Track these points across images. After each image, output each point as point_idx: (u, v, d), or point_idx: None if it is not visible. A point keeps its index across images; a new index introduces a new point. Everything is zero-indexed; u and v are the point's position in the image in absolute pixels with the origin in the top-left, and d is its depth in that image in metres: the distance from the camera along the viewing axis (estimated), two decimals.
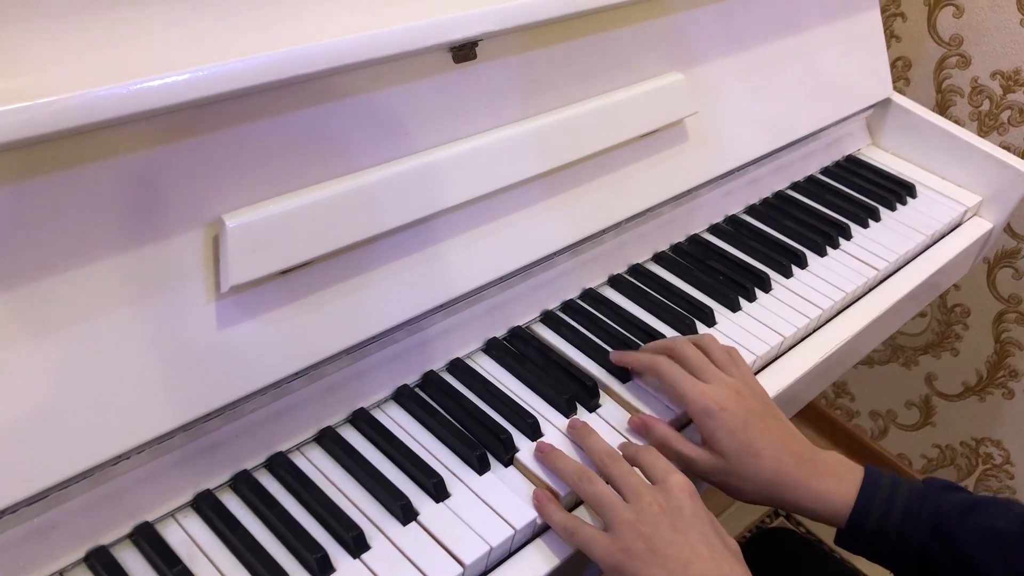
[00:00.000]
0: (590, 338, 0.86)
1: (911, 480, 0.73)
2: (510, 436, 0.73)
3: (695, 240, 1.03)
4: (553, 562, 0.67)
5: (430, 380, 0.79)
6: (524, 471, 0.72)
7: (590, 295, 0.91)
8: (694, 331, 0.88)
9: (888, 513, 0.71)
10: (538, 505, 0.69)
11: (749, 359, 0.86)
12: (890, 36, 1.51)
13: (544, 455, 0.72)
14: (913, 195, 1.19)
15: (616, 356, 0.82)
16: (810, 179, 1.19)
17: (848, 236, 1.08)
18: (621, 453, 0.71)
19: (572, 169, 0.85)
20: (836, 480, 0.73)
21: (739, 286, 0.95)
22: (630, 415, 0.78)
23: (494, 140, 0.77)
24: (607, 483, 0.69)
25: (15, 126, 0.50)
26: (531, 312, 0.87)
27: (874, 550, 0.73)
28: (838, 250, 1.06)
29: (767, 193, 1.13)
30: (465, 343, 0.82)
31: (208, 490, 0.66)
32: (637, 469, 0.70)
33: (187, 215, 0.61)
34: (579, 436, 0.74)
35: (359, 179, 0.69)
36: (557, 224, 0.84)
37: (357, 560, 0.64)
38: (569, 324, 0.87)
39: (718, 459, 0.73)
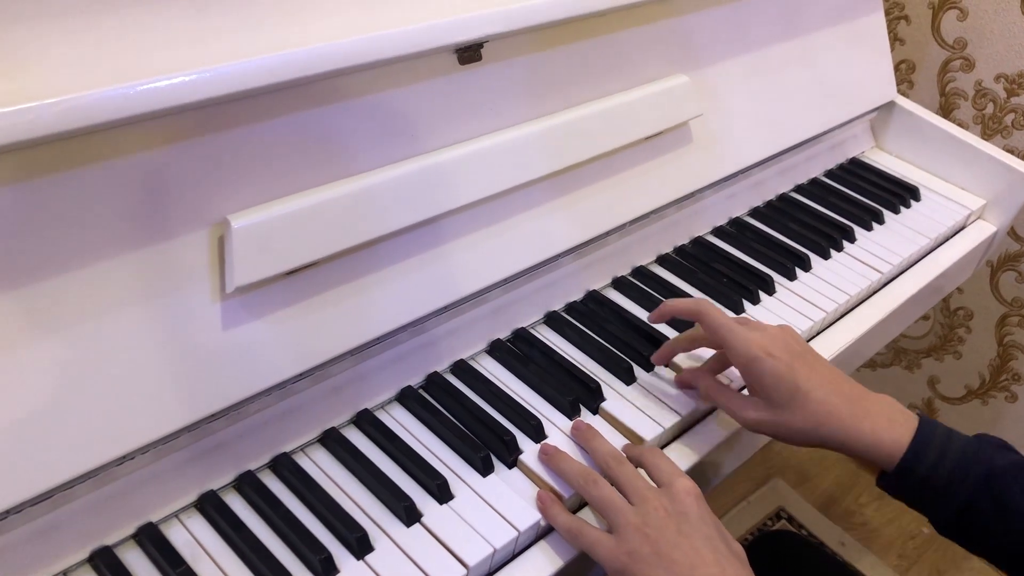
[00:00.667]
0: (594, 339, 0.86)
1: (965, 437, 0.73)
2: (514, 438, 0.73)
3: (699, 242, 1.03)
4: (557, 564, 0.67)
5: (434, 381, 0.79)
6: (528, 473, 0.72)
7: (594, 297, 0.91)
8: None
9: (940, 462, 0.70)
10: (542, 507, 0.69)
11: None
12: (894, 39, 1.51)
13: (548, 457, 0.72)
14: (917, 198, 1.19)
15: (655, 315, 0.82)
16: (814, 181, 1.19)
17: (852, 239, 1.08)
18: (625, 455, 0.71)
19: (577, 171, 0.85)
20: (888, 422, 0.72)
21: (742, 288, 0.95)
22: (640, 410, 0.78)
23: (499, 142, 0.77)
24: (612, 485, 0.69)
25: (21, 127, 0.50)
26: (535, 314, 0.87)
27: (918, 496, 0.73)
28: (842, 253, 1.06)
29: (771, 195, 1.13)
30: (469, 344, 0.82)
31: (212, 491, 0.67)
32: (642, 471, 0.70)
33: (192, 216, 0.61)
34: (583, 438, 0.74)
35: (364, 180, 0.69)
36: (561, 226, 0.84)
37: (361, 561, 0.64)
38: (573, 325, 0.87)
39: (766, 407, 0.73)
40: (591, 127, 0.84)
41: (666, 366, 0.84)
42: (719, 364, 0.81)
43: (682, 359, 0.85)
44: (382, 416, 0.75)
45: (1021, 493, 0.69)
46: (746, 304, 0.94)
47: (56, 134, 0.51)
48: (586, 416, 0.78)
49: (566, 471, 0.70)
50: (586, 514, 0.70)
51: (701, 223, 1.04)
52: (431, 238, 0.75)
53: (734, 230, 1.06)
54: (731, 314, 0.91)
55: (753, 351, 0.72)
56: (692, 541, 0.63)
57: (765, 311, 0.94)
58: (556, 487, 0.71)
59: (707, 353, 0.84)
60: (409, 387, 0.77)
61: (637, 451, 0.72)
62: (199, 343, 0.62)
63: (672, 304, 0.80)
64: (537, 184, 0.82)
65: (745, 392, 0.77)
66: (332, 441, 0.72)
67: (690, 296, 0.93)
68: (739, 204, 1.09)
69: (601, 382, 0.81)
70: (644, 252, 0.98)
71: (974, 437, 0.73)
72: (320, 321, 0.68)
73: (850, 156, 1.26)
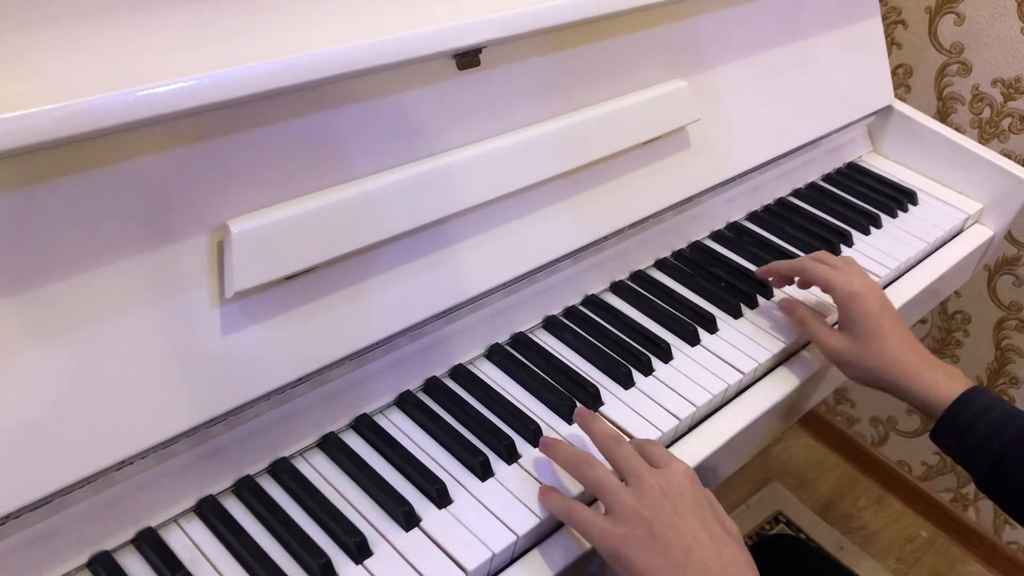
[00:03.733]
0: (593, 344, 0.86)
1: (1016, 408, 0.80)
2: (512, 442, 0.74)
3: (697, 246, 1.03)
4: (556, 568, 0.67)
5: (433, 386, 0.79)
6: (527, 478, 0.72)
7: (592, 301, 0.92)
8: (696, 338, 0.89)
9: (983, 414, 0.78)
10: (540, 496, 0.69)
11: (750, 366, 0.86)
12: (891, 43, 1.51)
13: (547, 447, 0.72)
14: (914, 202, 1.19)
15: (761, 271, 0.96)
16: (812, 186, 1.19)
17: (850, 243, 1.09)
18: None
19: (575, 176, 0.85)
20: (946, 376, 0.82)
21: (741, 292, 0.95)
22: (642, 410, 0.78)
23: (498, 147, 0.77)
24: (609, 470, 0.68)
25: (20, 132, 0.50)
26: (534, 318, 0.88)
27: (960, 445, 0.80)
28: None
29: (769, 200, 1.14)
30: (468, 349, 0.82)
31: (211, 495, 0.67)
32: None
33: (192, 221, 0.61)
34: (584, 422, 0.73)
35: (362, 185, 0.69)
36: (560, 230, 0.85)
37: (360, 566, 0.64)
38: (571, 330, 0.87)
39: (847, 338, 0.85)
40: (589, 132, 0.84)
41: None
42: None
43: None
44: (381, 421, 0.75)
45: None
46: (744, 308, 0.94)
47: (56, 140, 0.51)
48: None
49: (562, 457, 0.70)
50: None
51: (699, 227, 1.05)
52: (429, 243, 0.75)
53: (732, 235, 1.07)
54: (707, 335, 0.92)
55: (855, 288, 0.85)
56: (688, 522, 0.62)
57: (764, 315, 0.94)
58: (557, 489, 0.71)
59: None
60: (408, 392, 0.78)
61: (636, 441, 0.72)
62: (198, 348, 0.62)
63: (774, 267, 0.94)
64: (536, 188, 0.82)
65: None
66: (331, 446, 0.72)
67: (684, 296, 0.93)
68: (737, 208, 1.09)
69: (599, 386, 0.81)
70: (643, 256, 0.98)
71: None
72: (319, 326, 0.68)
73: (848, 160, 1.26)
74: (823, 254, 0.92)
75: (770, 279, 0.96)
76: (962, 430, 0.79)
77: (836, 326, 0.89)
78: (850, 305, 0.85)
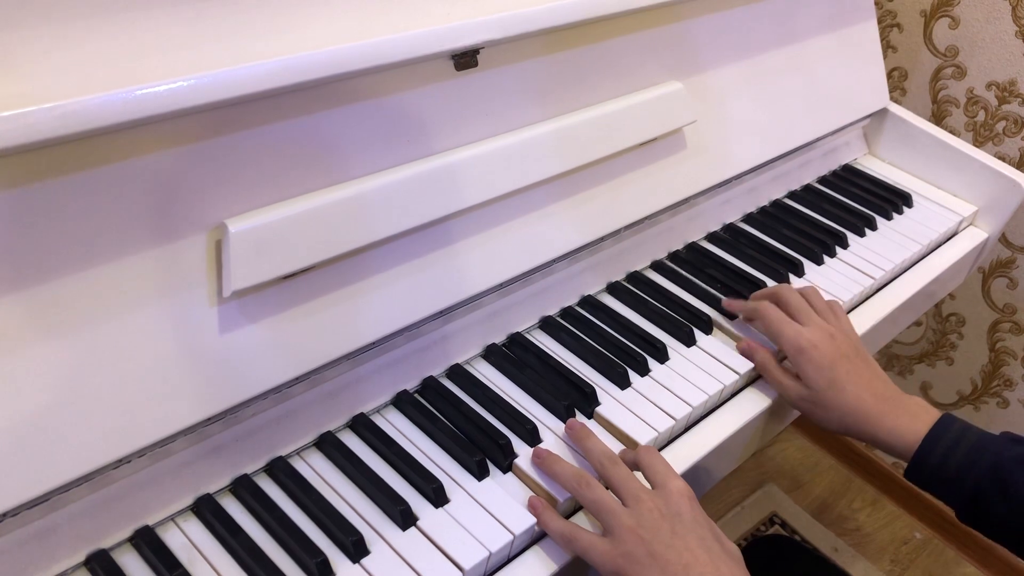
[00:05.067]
0: (589, 344, 0.86)
1: (984, 432, 0.79)
2: (509, 442, 0.74)
3: (693, 248, 1.03)
4: (552, 568, 0.68)
5: (430, 386, 0.79)
6: (523, 477, 0.73)
7: (589, 302, 0.92)
8: (692, 339, 0.89)
9: (951, 452, 0.77)
10: (535, 512, 0.69)
11: (746, 367, 0.86)
12: (886, 46, 1.52)
13: (541, 460, 0.72)
14: (909, 205, 1.20)
15: (727, 303, 0.93)
16: (807, 188, 1.19)
17: (845, 245, 1.09)
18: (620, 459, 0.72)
19: (572, 177, 0.86)
20: (910, 418, 0.80)
21: (736, 294, 0.96)
22: (635, 414, 0.78)
23: (496, 147, 0.77)
24: (606, 487, 0.69)
25: (18, 131, 0.50)
26: (530, 318, 0.88)
27: (935, 485, 0.79)
28: (835, 259, 1.06)
29: (764, 202, 1.14)
30: (464, 349, 0.82)
31: (208, 494, 0.67)
32: (637, 474, 0.70)
33: (190, 220, 0.61)
34: (577, 438, 0.74)
35: (360, 185, 0.69)
36: (556, 231, 0.85)
37: (357, 565, 0.64)
38: (568, 330, 0.87)
39: (806, 390, 0.82)
40: (586, 133, 0.84)
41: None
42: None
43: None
44: (378, 420, 0.75)
45: (1022, 482, 0.74)
46: None
47: (53, 139, 0.51)
48: (581, 420, 0.78)
49: (560, 473, 0.71)
50: (580, 519, 0.71)
51: (695, 229, 1.05)
52: (426, 243, 0.75)
53: (728, 236, 1.07)
54: (703, 336, 0.93)
55: (801, 343, 0.82)
56: (686, 541, 0.63)
57: None
58: (551, 491, 0.71)
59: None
60: (405, 391, 0.78)
61: (631, 453, 0.72)
62: (196, 347, 0.62)
63: (739, 305, 0.91)
64: (533, 189, 0.82)
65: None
66: (328, 445, 0.72)
67: (680, 296, 0.94)
68: (733, 210, 1.10)
69: (596, 386, 0.81)
70: (639, 257, 0.98)
71: (999, 433, 0.78)
72: (317, 325, 0.68)
73: (843, 163, 1.27)
74: (783, 290, 0.89)
75: (736, 312, 0.93)
76: (933, 471, 0.78)
77: None
78: (798, 361, 0.82)
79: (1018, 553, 0.78)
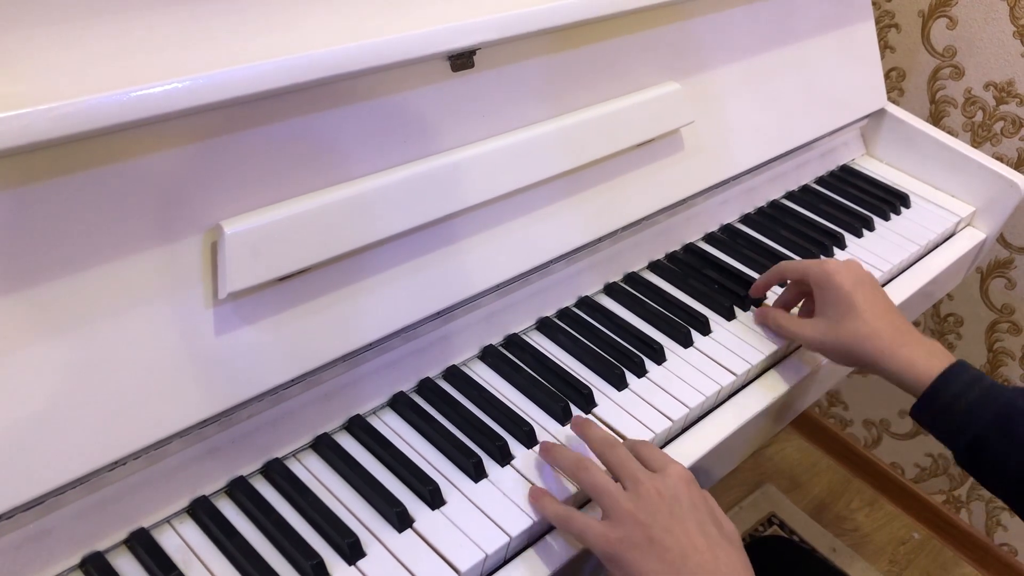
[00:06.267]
0: (586, 345, 0.86)
1: (1001, 384, 0.79)
2: (506, 443, 0.74)
3: (690, 249, 1.03)
4: (548, 569, 0.68)
5: (426, 387, 0.79)
6: (520, 479, 0.72)
7: (586, 303, 0.92)
8: (689, 340, 0.89)
9: (964, 392, 0.77)
10: (533, 500, 0.69)
11: (743, 368, 0.86)
12: (884, 47, 1.52)
13: (545, 451, 0.72)
14: (907, 205, 1.20)
15: (754, 290, 0.95)
16: (805, 188, 1.19)
17: (842, 245, 1.09)
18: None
19: (569, 178, 0.86)
20: (926, 353, 0.80)
21: (734, 294, 0.96)
22: (630, 415, 0.78)
23: (492, 148, 0.77)
24: (606, 473, 0.69)
25: (14, 132, 0.50)
26: (527, 319, 0.88)
27: (939, 425, 0.79)
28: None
29: (762, 202, 1.14)
30: (461, 350, 0.82)
31: (204, 496, 0.67)
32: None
33: (186, 221, 0.61)
34: (580, 428, 0.73)
35: (356, 186, 0.69)
36: (553, 232, 0.85)
37: (353, 567, 0.64)
38: (565, 331, 0.87)
39: (822, 321, 0.85)
40: (582, 134, 0.84)
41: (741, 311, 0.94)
42: (790, 296, 0.93)
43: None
44: (374, 422, 0.75)
45: None
46: (736, 310, 0.94)
47: (49, 140, 0.51)
48: None
49: (559, 459, 0.70)
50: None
51: (693, 230, 1.05)
52: (423, 244, 0.75)
53: (726, 237, 1.07)
54: (700, 337, 0.92)
55: (827, 267, 0.85)
56: (685, 525, 0.63)
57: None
58: (549, 492, 0.71)
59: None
60: (401, 393, 0.78)
61: (631, 443, 0.72)
62: (192, 349, 0.62)
63: (764, 279, 0.94)
64: (530, 190, 0.82)
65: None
66: (324, 447, 0.72)
67: (677, 298, 0.94)
68: (731, 211, 1.10)
69: (593, 388, 0.81)
70: (636, 258, 0.98)
71: (1012, 387, 0.79)
72: (313, 327, 0.68)
73: (841, 163, 1.27)
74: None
75: (763, 295, 0.96)
76: (940, 409, 0.78)
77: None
78: (822, 283, 0.85)
79: (1007, 501, 0.78)
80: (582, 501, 0.73)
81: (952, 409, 0.78)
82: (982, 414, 0.76)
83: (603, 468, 0.69)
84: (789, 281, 0.93)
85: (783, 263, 0.92)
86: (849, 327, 0.82)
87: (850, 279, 0.84)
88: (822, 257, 0.91)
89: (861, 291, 0.83)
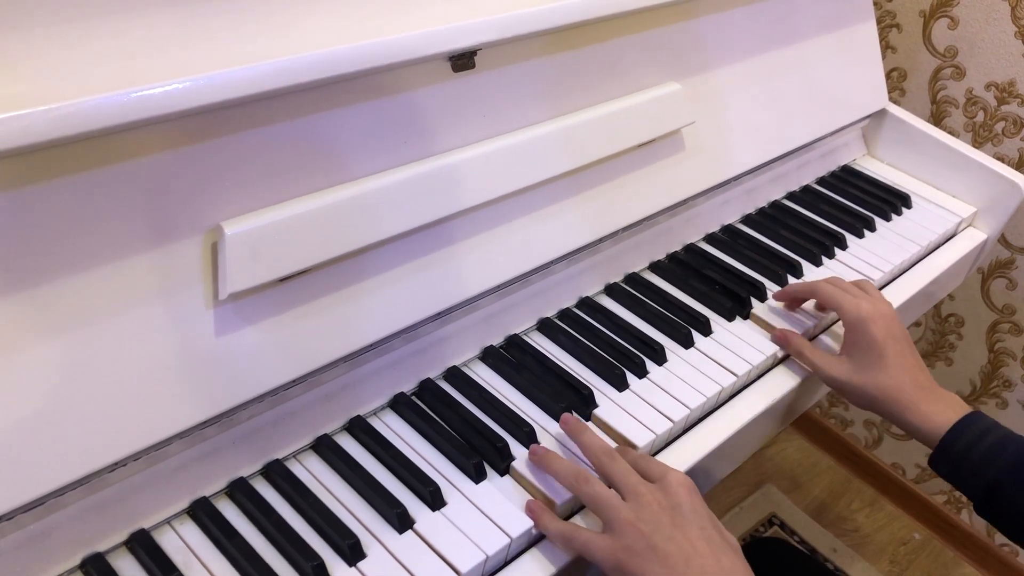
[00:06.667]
0: (587, 346, 0.86)
1: (1013, 432, 0.81)
2: (506, 444, 0.74)
3: (691, 249, 1.03)
4: (549, 570, 0.68)
5: (427, 388, 0.79)
6: (520, 479, 0.72)
7: (587, 303, 0.92)
8: (690, 340, 0.89)
9: (978, 442, 0.79)
10: (532, 516, 0.69)
11: (744, 369, 0.86)
12: (886, 47, 1.52)
13: (539, 458, 0.72)
14: (908, 205, 1.20)
15: (778, 294, 0.96)
16: (806, 189, 1.19)
17: (843, 246, 1.09)
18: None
19: (569, 178, 0.85)
20: (944, 406, 0.82)
21: (734, 296, 0.96)
22: (624, 423, 0.78)
23: (492, 149, 0.77)
24: (604, 482, 0.69)
25: (14, 133, 0.50)
26: (528, 320, 0.88)
27: (955, 473, 0.81)
28: (833, 260, 1.06)
29: (763, 203, 1.14)
30: (462, 351, 0.82)
31: (204, 497, 0.66)
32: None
33: (186, 222, 0.61)
34: (573, 432, 0.74)
35: (357, 187, 0.69)
36: (554, 233, 0.85)
37: (353, 568, 0.64)
38: (566, 332, 0.87)
39: (848, 362, 0.86)
40: (583, 135, 0.84)
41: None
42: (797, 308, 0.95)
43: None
44: (375, 423, 0.75)
45: None
46: (737, 311, 0.94)
47: (49, 141, 0.51)
48: None
49: (557, 470, 0.70)
50: (579, 520, 0.70)
51: (694, 230, 1.05)
52: (423, 245, 0.75)
53: (727, 237, 1.07)
54: (701, 338, 0.92)
55: (863, 312, 0.85)
56: (686, 532, 0.63)
57: (758, 319, 0.94)
58: (548, 494, 0.71)
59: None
60: (402, 394, 0.78)
61: (629, 454, 0.72)
62: (192, 350, 0.62)
63: (789, 289, 0.95)
64: (531, 191, 0.82)
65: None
66: (325, 448, 0.72)
67: (678, 298, 0.94)
68: (732, 211, 1.09)
69: (594, 388, 0.81)
70: (637, 259, 0.98)
71: None
72: (313, 327, 0.68)
73: (842, 164, 1.26)
74: (837, 279, 0.93)
75: (783, 303, 0.96)
76: (958, 457, 0.80)
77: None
78: (855, 328, 0.85)
79: None
80: (579, 505, 0.73)
81: (967, 457, 0.79)
82: (995, 463, 0.78)
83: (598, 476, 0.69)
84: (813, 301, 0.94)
85: (819, 284, 0.91)
86: (876, 377, 0.83)
87: (884, 331, 0.84)
88: (860, 285, 0.91)
89: (893, 345, 0.84)
